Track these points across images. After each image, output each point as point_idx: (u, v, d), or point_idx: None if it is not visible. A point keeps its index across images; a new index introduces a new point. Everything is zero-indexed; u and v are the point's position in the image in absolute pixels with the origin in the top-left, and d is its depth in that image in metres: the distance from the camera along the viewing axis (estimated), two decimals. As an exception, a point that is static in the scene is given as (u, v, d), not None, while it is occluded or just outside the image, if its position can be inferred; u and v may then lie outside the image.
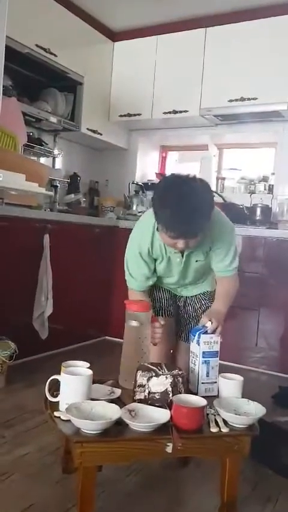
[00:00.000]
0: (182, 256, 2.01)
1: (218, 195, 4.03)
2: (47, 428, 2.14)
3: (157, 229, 1.90)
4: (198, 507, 1.70)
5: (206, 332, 1.81)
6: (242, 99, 3.70)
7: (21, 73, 3.56)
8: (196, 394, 1.69)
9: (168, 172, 4.68)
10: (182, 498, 1.76)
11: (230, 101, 3.74)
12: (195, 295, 2.30)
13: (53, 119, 3.73)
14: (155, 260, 2.08)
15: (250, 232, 3.49)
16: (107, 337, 3.95)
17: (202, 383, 1.78)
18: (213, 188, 4.21)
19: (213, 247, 2.02)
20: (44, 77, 3.79)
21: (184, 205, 1.73)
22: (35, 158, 3.87)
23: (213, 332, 1.84)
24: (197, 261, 2.06)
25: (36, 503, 1.64)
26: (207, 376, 1.78)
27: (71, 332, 3.53)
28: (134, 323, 1.84)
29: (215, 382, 1.77)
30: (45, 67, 3.61)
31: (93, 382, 1.62)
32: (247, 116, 3.90)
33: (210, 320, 1.86)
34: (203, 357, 1.78)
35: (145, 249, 2.02)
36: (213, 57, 3.83)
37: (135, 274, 2.10)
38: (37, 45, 3.43)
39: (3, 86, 2.53)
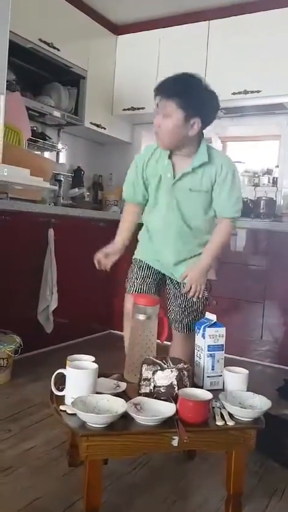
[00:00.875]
0: (174, 174, 2.05)
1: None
2: (52, 422, 2.15)
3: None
4: (204, 500, 1.71)
5: (211, 325, 1.81)
6: (246, 92, 3.68)
7: (24, 68, 3.56)
8: (201, 387, 1.70)
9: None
10: (187, 491, 1.76)
11: (234, 94, 3.72)
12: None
13: (57, 114, 3.72)
14: (148, 184, 2.15)
15: (254, 225, 3.48)
16: (111, 331, 3.96)
17: (207, 376, 1.78)
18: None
19: (216, 182, 2.03)
20: (47, 72, 3.78)
21: (178, 74, 1.98)
22: (39, 152, 3.87)
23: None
24: (191, 190, 2.04)
25: (42, 496, 1.64)
26: (213, 369, 1.78)
27: (75, 325, 3.54)
28: (140, 317, 1.84)
29: (220, 375, 1.77)
30: (49, 61, 3.60)
31: (99, 376, 1.63)
32: (251, 109, 3.89)
33: (189, 288, 2.04)
34: (208, 350, 1.78)
35: (141, 162, 2.13)
36: (217, 50, 3.81)
37: (128, 179, 2.23)
38: (40, 40, 3.42)
39: (6, 81, 2.53)
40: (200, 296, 2.11)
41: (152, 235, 2.21)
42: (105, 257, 2.19)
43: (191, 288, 2.08)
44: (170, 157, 2.06)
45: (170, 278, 2.25)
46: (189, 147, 2.04)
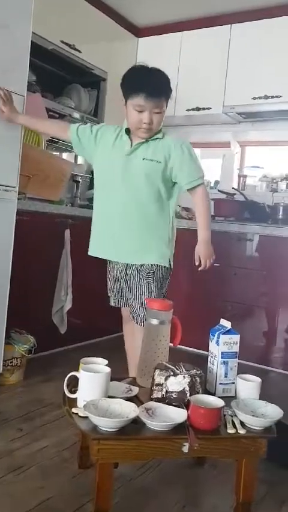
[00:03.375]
0: (131, 146, 2.19)
1: (240, 192, 4.00)
2: (64, 423, 2.17)
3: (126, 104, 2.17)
4: (213, 507, 1.70)
5: (225, 332, 1.80)
6: (266, 97, 3.66)
7: (45, 69, 3.59)
8: (214, 394, 1.70)
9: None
10: (197, 497, 1.76)
11: (254, 98, 3.71)
12: (138, 269, 2.24)
13: (77, 115, 3.74)
14: (99, 150, 2.26)
15: (272, 231, 3.46)
16: (125, 333, 3.96)
17: (220, 383, 1.77)
18: (235, 185, 4.18)
19: (172, 157, 2.17)
20: (67, 73, 3.81)
21: (152, 70, 2.17)
22: (58, 153, 3.89)
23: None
24: (144, 159, 2.16)
25: (52, 497, 1.66)
26: (226, 377, 1.78)
27: (89, 327, 3.54)
28: (154, 321, 1.85)
29: (233, 383, 1.77)
30: (69, 63, 3.63)
31: (112, 379, 1.63)
32: (270, 114, 3.87)
33: (199, 263, 2.20)
34: (222, 357, 1.78)
35: (97, 127, 2.32)
36: (238, 54, 3.80)
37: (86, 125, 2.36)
38: (62, 42, 3.44)
39: (27, 82, 2.55)
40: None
41: (98, 219, 2.32)
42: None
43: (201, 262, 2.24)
44: (129, 136, 2.23)
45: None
46: None
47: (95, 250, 2.34)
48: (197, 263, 2.23)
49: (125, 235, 2.22)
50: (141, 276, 2.24)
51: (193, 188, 2.21)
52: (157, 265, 2.23)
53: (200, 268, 2.23)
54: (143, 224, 2.21)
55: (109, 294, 2.46)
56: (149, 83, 2.12)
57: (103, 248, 2.31)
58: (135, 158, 2.18)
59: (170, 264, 2.28)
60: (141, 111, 2.12)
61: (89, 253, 2.35)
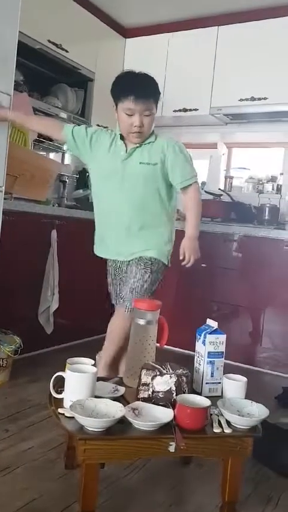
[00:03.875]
0: (126, 151, 2.23)
1: (226, 193, 4.02)
2: (50, 423, 2.16)
3: (116, 108, 2.21)
4: (199, 506, 1.71)
5: (212, 332, 1.81)
6: (253, 99, 3.69)
7: (32, 68, 3.57)
8: (200, 394, 1.70)
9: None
10: (183, 496, 1.77)
11: (241, 100, 3.74)
12: (137, 261, 2.29)
13: (64, 115, 3.73)
14: (95, 152, 2.30)
15: (257, 232, 3.48)
16: (111, 333, 3.95)
17: (206, 383, 1.78)
18: (222, 186, 4.20)
19: (166, 157, 2.21)
20: (54, 73, 3.80)
21: (139, 75, 2.19)
22: (45, 153, 3.88)
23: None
24: (140, 163, 2.20)
25: (38, 497, 1.65)
26: (212, 376, 1.79)
27: (76, 327, 3.54)
28: (141, 321, 1.85)
29: (219, 382, 1.77)
30: (57, 63, 3.62)
31: (98, 379, 1.63)
32: (257, 115, 3.90)
33: (184, 256, 2.19)
34: (208, 357, 1.79)
35: (92, 131, 2.33)
36: (225, 56, 3.83)
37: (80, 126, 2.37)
38: (49, 41, 3.44)
39: (14, 82, 2.54)
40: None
41: (100, 222, 2.36)
42: None
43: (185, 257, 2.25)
44: (123, 141, 2.27)
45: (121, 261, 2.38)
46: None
47: (98, 251, 2.43)
48: (181, 257, 2.25)
49: (126, 237, 2.29)
50: (138, 266, 2.28)
51: (185, 187, 2.24)
52: (155, 258, 2.28)
53: (183, 263, 2.25)
54: (143, 226, 2.27)
55: (109, 291, 2.53)
56: (137, 86, 2.16)
57: (106, 249, 2.39)
58: (132, 162, 2.23)
59: (167, 261, 2.34)
60: (131, 114, 2.16)
61: (94, 252, 2.44)
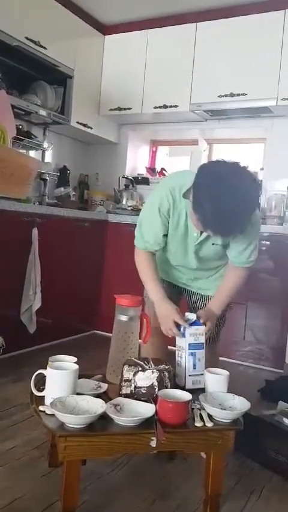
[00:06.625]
0: (201, 233, 1.89)
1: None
2: (33, 422, 2.15)
3: (187, 209, 1.85)
4: (183, 500, 1.71)
5: (191, 324, 1.82)
6: (232, 95, 3.70)
7: (10, 66, 3.54)
8: (183, 388, 1.71)
9: (158, 167, 4.68)
10: (167, 491, 1.77)
11: (220, 96, 3.74)
12: (205, 296, 2.17)
13: (43, 112, 3.71)
14: (169, 227, 1.95)
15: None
16: (96, 331, 3.96)
17: (189, 375, 1.79)
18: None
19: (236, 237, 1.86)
20: (33, 70, 3.77)
21: (228, 202, 1.59)
22: (24, 151, 3.85)
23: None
24: (213, 244, 1.94)
25: (21, 496, 1.64)
26: (194, 368, 1.80)
27: (59, 326, 3.53)
28: (123, 317, 1.85)
29: (202, 374, 1.78)
30: (35, 60, 3.58)
31: (81, 376, 1.63)
32: (237, 111, 3.91)
33: (205, 323, 1.88)
34: (189, 348, 1.80)
35: (166, 206, 1.90)
36: (204, 52, 3.83)
37: (146, 229, 1.98)
38: (27, 38, 3.40)
39: (-9, 79, 2.52)
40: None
41: (172, 268, 2.16)
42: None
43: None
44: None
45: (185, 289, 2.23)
46: None
47: (164, 276, 2.20)
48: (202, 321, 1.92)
49: (192, 281, 2.17)
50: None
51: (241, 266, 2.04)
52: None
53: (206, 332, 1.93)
54: (211, 276, 2.15)
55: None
56: (223, 226, 1.67)
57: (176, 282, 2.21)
58: (205, 241, 1.95)
59: None
60: None
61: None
